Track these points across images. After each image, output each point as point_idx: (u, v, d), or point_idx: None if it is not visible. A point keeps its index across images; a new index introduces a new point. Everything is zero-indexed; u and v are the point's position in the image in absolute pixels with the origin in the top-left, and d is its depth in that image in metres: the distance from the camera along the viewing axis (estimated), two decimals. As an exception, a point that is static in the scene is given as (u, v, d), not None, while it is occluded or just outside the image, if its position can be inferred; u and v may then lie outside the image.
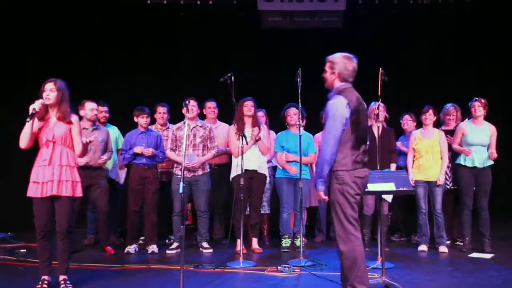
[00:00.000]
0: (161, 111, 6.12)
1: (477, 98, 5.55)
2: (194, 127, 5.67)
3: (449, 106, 6.10)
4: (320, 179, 3.36)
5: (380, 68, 4.73)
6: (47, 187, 3.83)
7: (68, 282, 3.98)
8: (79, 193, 3.99)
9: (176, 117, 6.04)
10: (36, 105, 3.84)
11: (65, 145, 3.93)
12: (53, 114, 3.96)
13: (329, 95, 3.49)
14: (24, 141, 3.87)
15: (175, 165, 5.71)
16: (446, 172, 5.80)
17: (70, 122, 3.97)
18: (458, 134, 5.62)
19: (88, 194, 5.46)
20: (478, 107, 5.50)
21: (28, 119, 3.81)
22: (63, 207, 3.90)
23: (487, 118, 5.64)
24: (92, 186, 5.45)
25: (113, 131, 6.13)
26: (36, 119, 3.88)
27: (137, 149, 5.50)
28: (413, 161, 5.73)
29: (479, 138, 5.49)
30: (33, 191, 3.87)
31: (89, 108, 5.56)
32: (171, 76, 8.05)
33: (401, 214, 6.39)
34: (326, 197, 3.42)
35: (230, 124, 5.96)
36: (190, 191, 5.65)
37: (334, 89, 3.47)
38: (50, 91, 3.90)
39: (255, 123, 5.59)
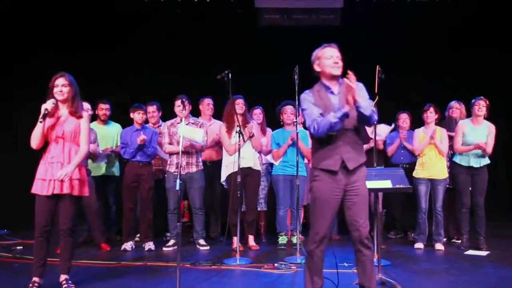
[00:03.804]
0: (150, 110, 6.10)
1: (482, 97, 5.48)
2: (186, 124, 5.65)
3: (453, 102, 6.18)
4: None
5: (377, 66, 4.73)
6: (55, 185, 3.73)
7: (70, 282, 3.90)
8: (86, 192, 3.91)
9: (172, 114, 6.03)
10: (48, 105, 3.73)
11: (73, 142, 3.84)
12: (63, 110, 3.85)
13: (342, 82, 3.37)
14: (35, 141, 3.75)
15: (168, 162, 5.71)
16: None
17: (80, 117, 3.87)
18: (459, 133, 5.59)
19: None
20: (482, 106, 5.44)
21: (41, 120, 3.70)
22: (69, 206, 3.81)
23: (487, 117, 5.60)
24: None
25: (116, 128, 6.16)
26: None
27: (139, 140, 5.48)
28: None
29: (477, 138, 5.45)
30: (38, 188, 3.76)
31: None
32: (167, 73, 8.03)
33: (398, 211, 6.41)
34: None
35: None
36: (184, 189, 5.64)
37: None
38: (63, 86, 3.79)
39: (245, 122, 5.57)
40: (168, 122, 5.76)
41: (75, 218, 3.91)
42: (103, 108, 6.07)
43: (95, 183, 5.62)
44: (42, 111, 3.72)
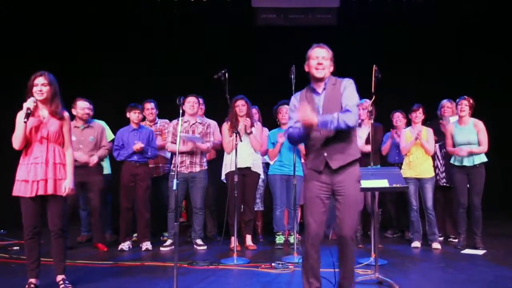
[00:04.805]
0: (149, 107, 6.15)
1: (465, 97, 5.49)
2: (193, 124, 5.65)
3: (444, 101, 6.18)
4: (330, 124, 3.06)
5: (374, 65, 4.73)
6: (39, 185, 3.68)
7: (67, 282, 3.88)
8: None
9: (170, 113, 6.02)
10: (30, 104, 3.67)
11: (57, 143, 3.81)
12: (44, 109, 3.78)
13: (330, 80, 3.30)
14: (18, 141, 3.70)
15: (173, 161, 5.69)
16: (438, 168, 5.86)
17: (62, 118, 3.83)
18: (448, 136, 5.62)
19: (82, 191, 5.50)
20: (465, 106, 5.44)
21: (24, 120, 3.63)
22: (58, 206, 3.79)
23: (478, 115, 5.59)
24: (88, 183, 5.45)
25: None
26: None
27: (135, 147, 5.49)
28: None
29: (464, 138, 5.46)
30: (21, 190, 3.70)
31: (81, 106, 5.57)
32: (164, 72, 8.02)
33: (394, 210, 6.42)
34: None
35: (217, 121, 5.99)
36: (186, 188, 5.64)
37: (331, 77, 3.31)
38: (42, 85, 3.72)
39: (250, 122, 5.59)
40: (175, 121, 5.73)
41: (64, 217, 3.88)
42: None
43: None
44: (25, 110, 3.65)
